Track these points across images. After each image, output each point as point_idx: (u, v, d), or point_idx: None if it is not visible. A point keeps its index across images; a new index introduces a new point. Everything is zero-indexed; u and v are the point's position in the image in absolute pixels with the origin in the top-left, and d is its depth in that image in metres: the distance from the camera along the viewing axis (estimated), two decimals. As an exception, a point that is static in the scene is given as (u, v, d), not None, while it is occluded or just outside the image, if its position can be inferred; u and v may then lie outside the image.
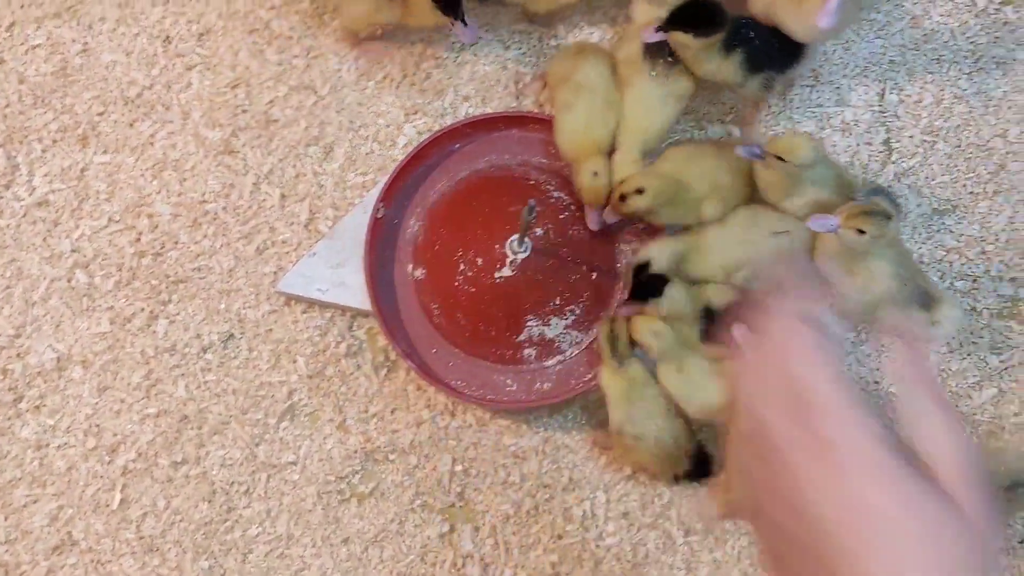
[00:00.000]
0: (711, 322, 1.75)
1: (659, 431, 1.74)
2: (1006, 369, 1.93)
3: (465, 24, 1.84)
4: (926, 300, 1.78)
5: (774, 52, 1.83)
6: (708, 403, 1.74)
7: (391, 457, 1.87)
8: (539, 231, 1.85)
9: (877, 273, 1.76)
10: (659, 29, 1.76)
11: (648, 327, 1.74)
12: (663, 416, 1.75)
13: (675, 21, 1.75)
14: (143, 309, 1.90)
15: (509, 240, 1.83)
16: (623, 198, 1.75)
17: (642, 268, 1.74)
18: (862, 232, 1.67)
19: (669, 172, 1.79)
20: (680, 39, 1.77)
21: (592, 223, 1.84)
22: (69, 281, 1.90)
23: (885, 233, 1.68)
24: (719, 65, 1.81)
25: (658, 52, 1.82)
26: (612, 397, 1.77)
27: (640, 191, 1.74)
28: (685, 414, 1.78)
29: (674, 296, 1.73)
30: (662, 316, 1.74)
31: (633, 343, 1.77)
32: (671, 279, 1.73)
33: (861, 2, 1.93)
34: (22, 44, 2.01)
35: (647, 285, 1.73)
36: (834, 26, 1.71)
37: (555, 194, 1.90)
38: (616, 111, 1.85)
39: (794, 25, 1.77)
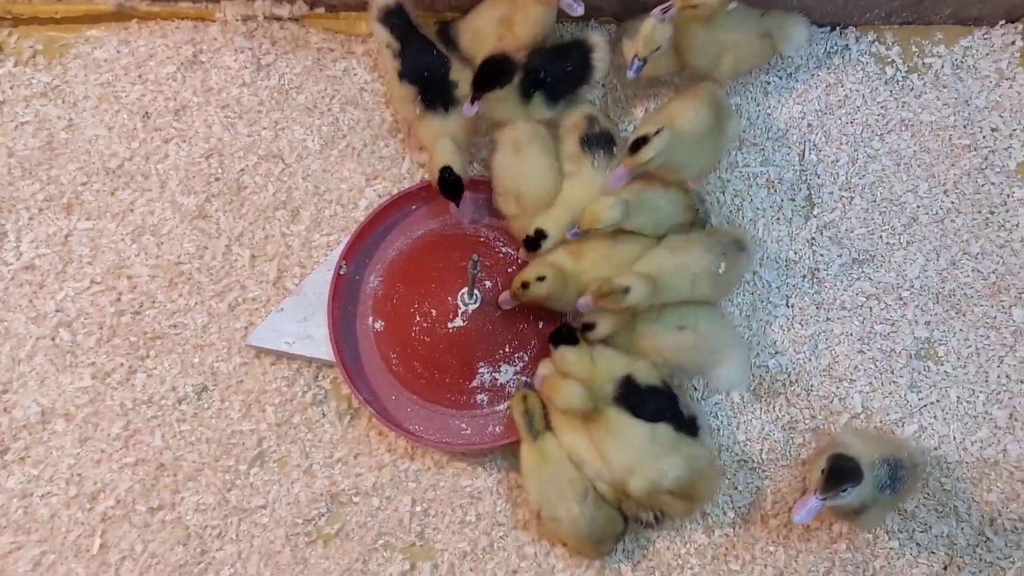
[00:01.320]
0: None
1: (572, 515, 1.83)
2: (925, 406, 2.08)
3: (457, 206, 2.00)
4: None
5: (564, 78, 2.04)
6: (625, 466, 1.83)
7: (355, 499, 1.99)
8: (488, 284, 2.01)
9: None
10: (473, 101, 1.94)
11: (563, 390, 1.83)
12: (578, 500, 1.83)
13: (480, 86, 1.94)
14: (122, 364, 2.02)
15: (460, 293, 1.99)
16: (525, 285, 1.89)
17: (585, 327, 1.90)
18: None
19: (560, 263, 1.94)
20: (494, 97, 1.97)
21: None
22: (53, 339, 2.03)
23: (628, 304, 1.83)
24: (527, 109, 2.02)
25: (597, 145, 2.00)
26: (525, 470, 1.88)
27: (541, 279, 1.88)
28: (617, 492, 1.86)
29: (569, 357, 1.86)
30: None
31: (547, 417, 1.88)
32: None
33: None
34: (11, 121, 2.17)
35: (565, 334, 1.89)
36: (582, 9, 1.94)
37: (503, 249, 2.06)
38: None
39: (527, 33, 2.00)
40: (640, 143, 1.84)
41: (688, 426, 1.86)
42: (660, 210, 1.97)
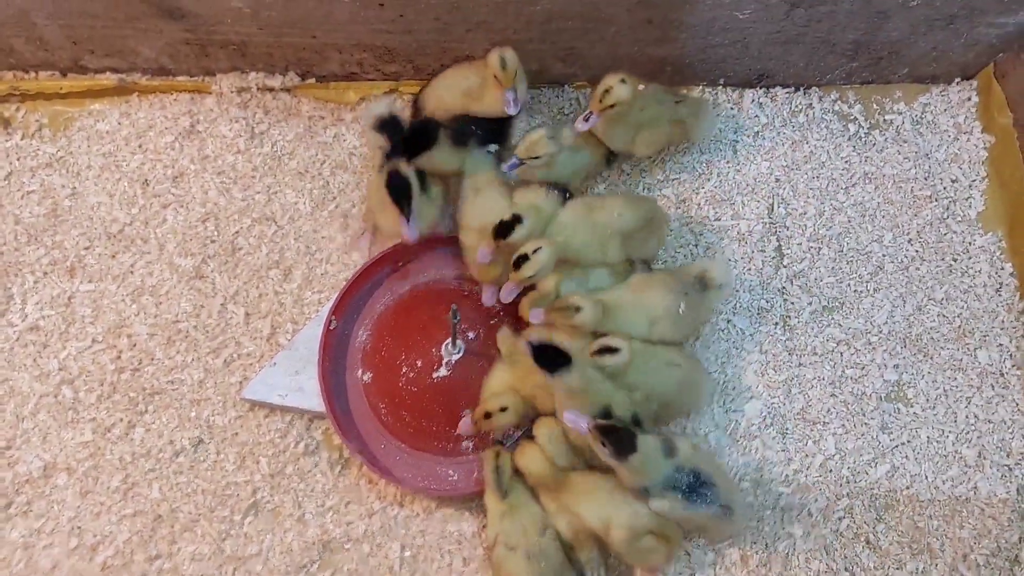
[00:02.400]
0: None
1: (531, 546, 1.88)
2: (896, 447, 2.15)
3: (408, 221, 2.06)
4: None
5: (478, 132, 2.15)
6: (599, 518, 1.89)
7: (346, 547, 2.04)
8: (471, 335, 2.10)
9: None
10: (410, 161, 2.06)
11: (532, 458, 1.91)
12: (537, 533, 1.89)
13: (410, 149, 2.07)
14: (122, 419, 2.10)
15: (444, 344, 2.08)
16: (487, 415, 1.94)
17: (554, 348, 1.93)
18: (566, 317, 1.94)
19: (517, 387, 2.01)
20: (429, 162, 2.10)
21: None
22: (56, 396, 2.12)
23: (578, 322, 1.94)
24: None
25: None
26: (491, 515, 1.93)
27: (503, 409, 1.94)
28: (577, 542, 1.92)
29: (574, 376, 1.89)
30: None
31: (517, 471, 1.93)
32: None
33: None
34: (18, 190, 2.28)
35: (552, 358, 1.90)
36: (518, 109, 2.10)
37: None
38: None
39: (489, 109, 2.14)
40: (521, 261, 1.96)
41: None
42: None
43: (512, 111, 2.11)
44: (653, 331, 2.00)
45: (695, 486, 1.85)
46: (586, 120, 2.09)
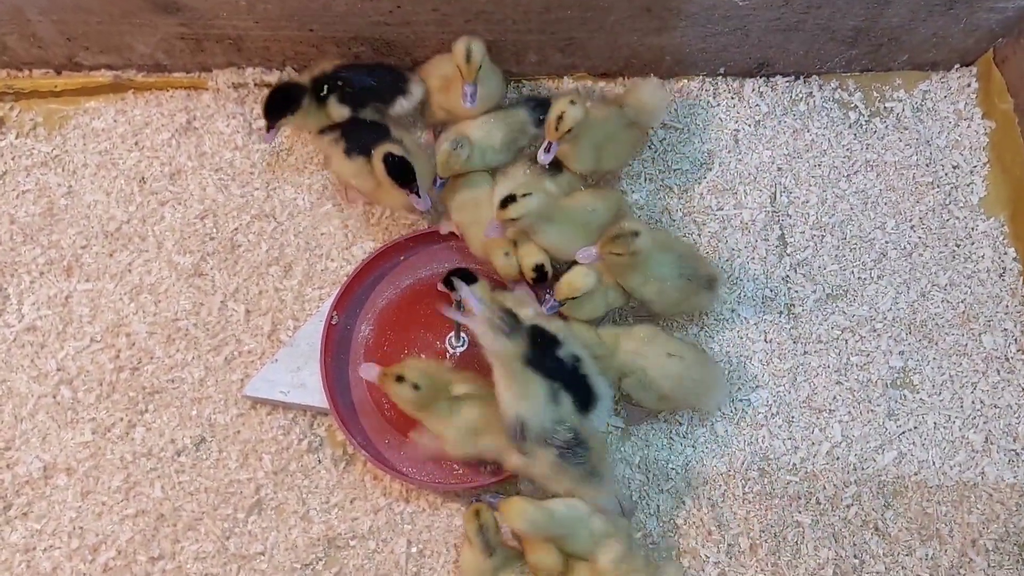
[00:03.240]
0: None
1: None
2: (903, 433, 2.14)
3: (419, 196, 2.05)
4: (711, 282, 2.05)
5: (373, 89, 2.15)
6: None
7: (352, 543, 2.03)
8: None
9: (663, 275, 2.00)
10: (268, 130, 2.10)
11: (520, 512, 1.80)
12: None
13: (270, 115, 2.10)
14: (122, 419, 2.08)
15: (448, 337, 2.06)
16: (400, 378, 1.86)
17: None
18: (618, 254, 1.92)
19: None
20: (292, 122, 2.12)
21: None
22: (55, 397, 2.09)
23: (636, 249, 1.90)
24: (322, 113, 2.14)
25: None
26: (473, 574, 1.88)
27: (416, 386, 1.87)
28: None
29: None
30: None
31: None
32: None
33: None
34: (13, 190, 2.26)
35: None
36: (474, 105, 2.07)
37: (488, 294, 2.14)
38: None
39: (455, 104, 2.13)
40: (509, 200, 1.95)
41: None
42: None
43: (468, 106, 2.08)
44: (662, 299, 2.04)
45: (572, 443, 1.81)
46: (547, 151, 2.04)
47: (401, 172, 2.00)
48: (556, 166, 2.12)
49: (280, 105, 2.11)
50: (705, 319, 2.20)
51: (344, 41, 2.21)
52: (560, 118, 1.98)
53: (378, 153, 2.01)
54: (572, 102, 1.98)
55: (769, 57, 2.34)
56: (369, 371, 1.87)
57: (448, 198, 2.15)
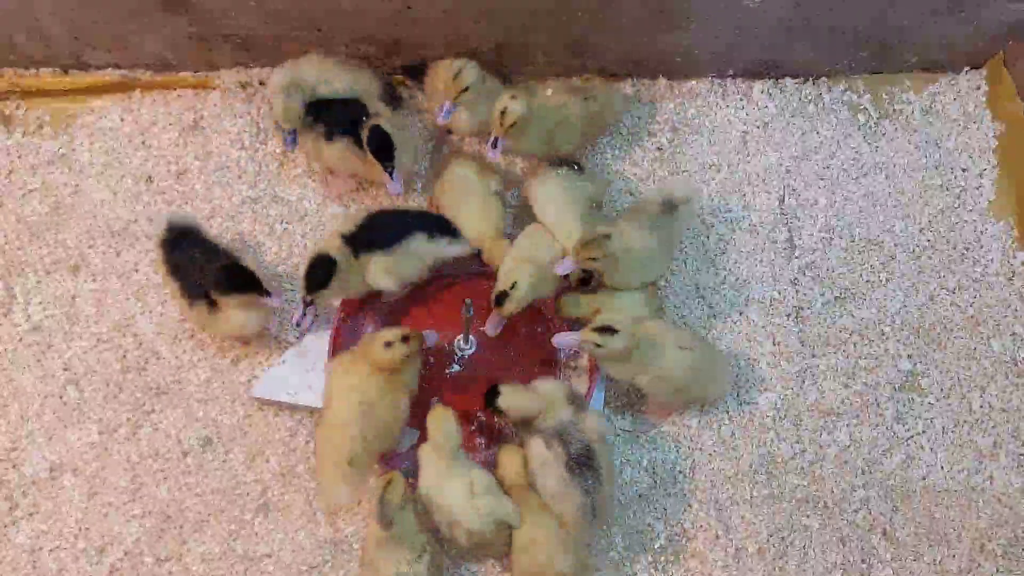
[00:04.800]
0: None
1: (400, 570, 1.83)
2: (911, 437, 2.14)
3: (392, 178, 2.08)
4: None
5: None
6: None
7: (358, 546, 2.01)
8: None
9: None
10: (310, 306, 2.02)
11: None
12: (408, 563, 1.81)
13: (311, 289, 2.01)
14: (129, 419, 2.07)
15: (456, 339, 2.05)
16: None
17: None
18: (595, 260, 1.95)
19: None
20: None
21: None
22: (61, 397, 2.09)
23: (609, 249, 1.94)
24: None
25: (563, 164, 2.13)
26: (368, 537, 1.87)
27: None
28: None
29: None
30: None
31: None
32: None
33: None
34: (20, 188, 2.25)
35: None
36: (446, 120, 2.11)
37: (497, 297, 2.13)
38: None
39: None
40: (502, 297, 1.97)
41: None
42: None
43: (440, 121, 2.12)
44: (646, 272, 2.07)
45: (582, 462, 1.82)
46: (494, 147, 2.07)
47: (382, 146, 2.04)
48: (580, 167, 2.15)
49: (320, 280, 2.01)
50: (712, 321, 2.19)
51: (352, 41, 2.21)
52: (503, 113, 2.03)
53: (367, 125, 2.05)
54: (513, 97, 2.03)
55: (778, 58, 2.33)
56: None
57: (434, 181, 2.18)
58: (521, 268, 1.98)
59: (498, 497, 1.85)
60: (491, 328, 2.03)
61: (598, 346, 1.88)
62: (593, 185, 2.14)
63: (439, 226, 2.04)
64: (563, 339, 1.93)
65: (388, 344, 1.86)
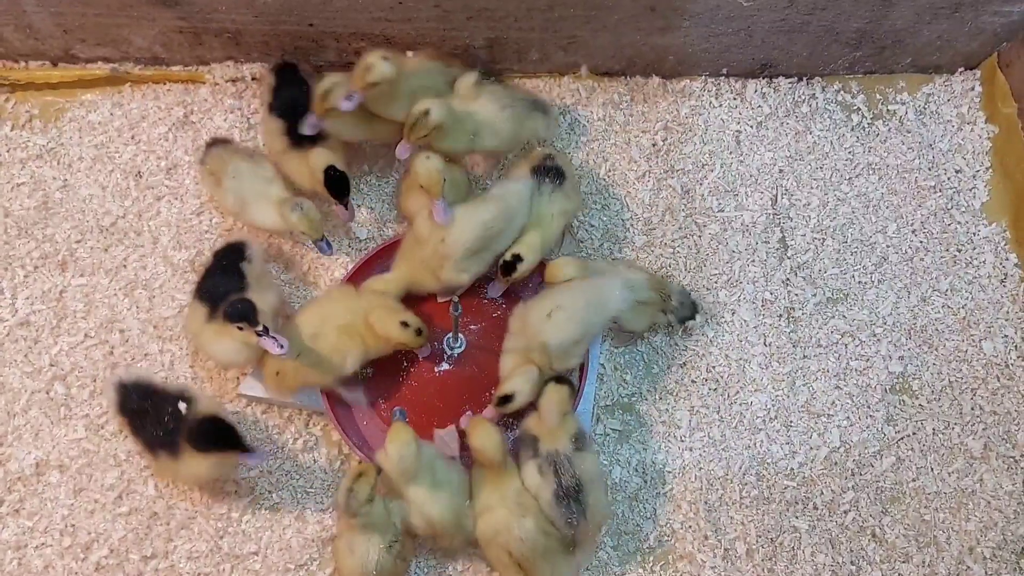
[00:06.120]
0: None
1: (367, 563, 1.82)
2: (902, 439, 2.13)
3: (346, 208, 2.08)
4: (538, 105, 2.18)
5: None
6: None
7: (346, 544, 2.02)
8: (474, 327, 2.07)
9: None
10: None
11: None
12: (378, 553, 1.82)
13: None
14: (116, 416, 2.05)
15: (446, 338, 2.04)
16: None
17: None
18: (425, 136, 1.96)
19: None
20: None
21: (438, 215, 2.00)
22: (48, 392, 2.07)
23: (434, 123, 1.96)
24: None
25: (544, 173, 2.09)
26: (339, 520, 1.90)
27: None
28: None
29: None
30: None
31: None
32: None
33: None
34: (8, 183, 2.23)
35: None
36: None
37: (487, 296, 2.12)
38: None
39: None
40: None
41: None
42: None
43: (401, 156, 2.04)
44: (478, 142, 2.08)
45: (570, 492, 1.83)
46: (349, 99, 2.00)
47: (339, 187, 2.02)
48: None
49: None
50: (704, 320, 2.19)
51: (344, 36, 2.19)
52: (367, 69, 1.96)
53: (319, 163, 2.01)
54: (384, 58, 1.98)
55: (772, 58, 2.32)
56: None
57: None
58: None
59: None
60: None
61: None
62: (569, 201, 2.11)
63: None
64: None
65: (404, 325, 1.89)
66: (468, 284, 2.06)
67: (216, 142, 2.16)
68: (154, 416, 1.89)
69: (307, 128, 2.04)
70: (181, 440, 1.83)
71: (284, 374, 1.93)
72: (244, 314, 1.80)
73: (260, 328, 1.81)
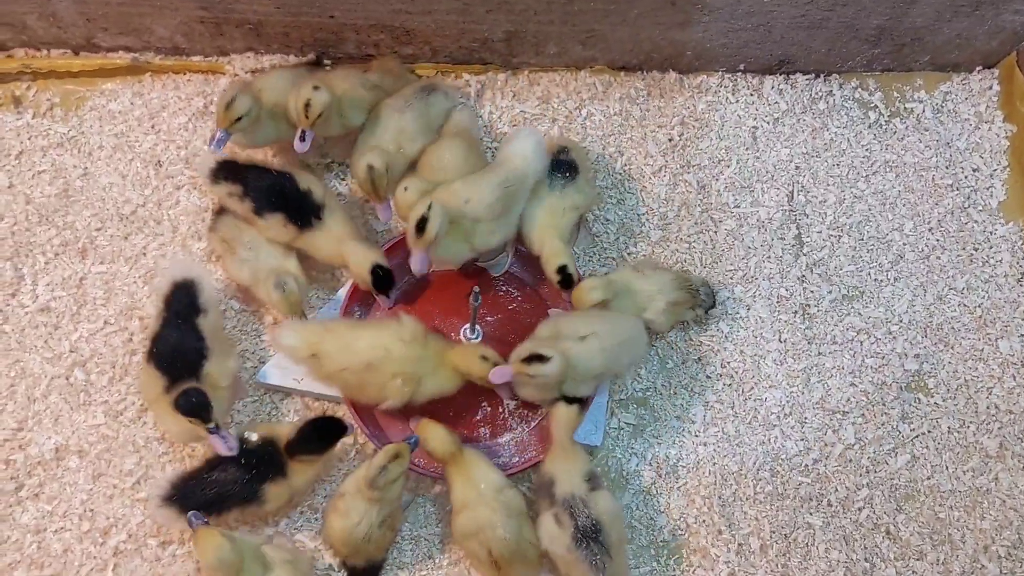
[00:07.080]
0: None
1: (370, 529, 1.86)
2: (917, 437, 2.14)
3: (388, 297, 2.05)
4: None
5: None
6: None
7: (361, 531, 2.02)
8: (491, 319, 2.08)
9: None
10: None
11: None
12: (375, 527, 1.86)
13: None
14: (135, 402, 2.07)
15: (463, 328, 2.05)
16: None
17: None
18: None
19: None
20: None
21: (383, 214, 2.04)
22: (68, 379, 2.09)
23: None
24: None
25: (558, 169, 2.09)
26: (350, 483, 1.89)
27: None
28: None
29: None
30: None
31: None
32: None
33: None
34: (29, 170, 2.25)
35: None
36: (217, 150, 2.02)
37: (503, 288, 2.13)
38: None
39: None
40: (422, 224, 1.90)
41: None
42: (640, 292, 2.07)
43: (299, 148, 2.03)
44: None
45: (589, 534, 1.82)
46: (302, 140, 2.00)
47: (386, 284, 2.02)
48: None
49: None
50: (719, 317, 2.19)
51: (364, 29, 2.20)
52: (307, 105, 1.97)
53: (365, 263, 1.99)
54: (316, 87, 1.98)
55: (791, 54, 2.32)
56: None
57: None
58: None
59: None
60: (416, 264, 1.96)
61: (530, 376, 1.86)
62: (581, 195, 2.11)
63: None
64: (501, 373, 1.89)
65: (484, 359, 1.88)
66: (500, 248, 2.06)
67: (225, 210, 2.12)
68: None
69: (214, 144, 2.01)
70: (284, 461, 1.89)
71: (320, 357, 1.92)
72: (196, 411, 1.80)
73: (211, 426, 1.82)
